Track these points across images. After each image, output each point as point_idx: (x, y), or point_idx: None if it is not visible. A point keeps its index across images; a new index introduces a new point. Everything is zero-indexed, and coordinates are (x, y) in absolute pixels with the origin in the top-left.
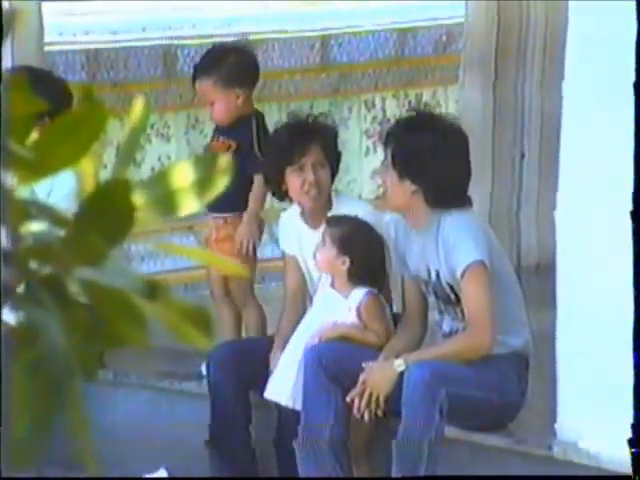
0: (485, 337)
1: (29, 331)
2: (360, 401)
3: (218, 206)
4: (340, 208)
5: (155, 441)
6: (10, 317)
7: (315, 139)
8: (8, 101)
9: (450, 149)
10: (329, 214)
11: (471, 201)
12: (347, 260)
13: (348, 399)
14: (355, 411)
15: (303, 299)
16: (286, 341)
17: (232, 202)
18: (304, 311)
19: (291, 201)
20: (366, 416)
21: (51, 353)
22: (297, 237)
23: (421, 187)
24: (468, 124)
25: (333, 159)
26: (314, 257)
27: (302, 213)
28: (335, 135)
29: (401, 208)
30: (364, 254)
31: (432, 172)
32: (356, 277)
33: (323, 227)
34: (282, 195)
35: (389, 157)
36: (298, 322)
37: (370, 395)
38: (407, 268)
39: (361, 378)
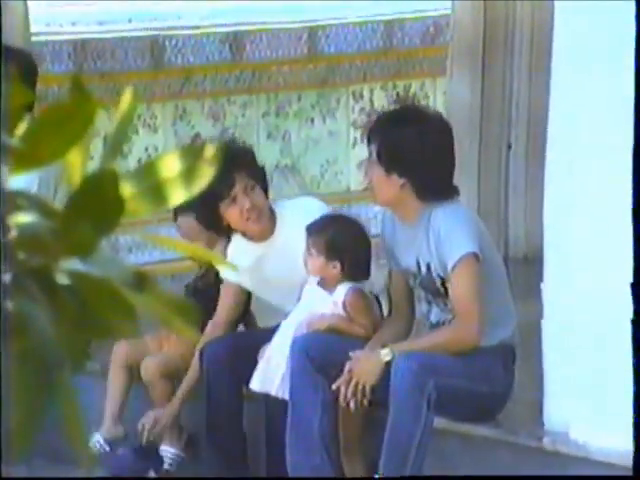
0: (473, 330)
1: (17, 322)
2: (346, 390)
3: None
4: (285, 214)
5: None
6: None
7: (237, 166)
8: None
9: (436, 140)
10: (277, 224)
11: (458, 191)
12: (337, 264)
13: (334, 387)
14: (341, 400)
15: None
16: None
17: None
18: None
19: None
20: (352, 405)
21: (39, 344)
22: (251, 260)
23: (410, 180)
24: (456, 116)
25: (259, 176)
26: (305, 265)
27: (248, 238)
28: (252, 154)
29: (391, 203)
30: (352, 253)
31: (420, 165)
32: (348, 275)
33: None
34: (226, 231)
35: (374, 153)
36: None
37: (356, 384)
38: (395, 261)
39: (347, 367)
